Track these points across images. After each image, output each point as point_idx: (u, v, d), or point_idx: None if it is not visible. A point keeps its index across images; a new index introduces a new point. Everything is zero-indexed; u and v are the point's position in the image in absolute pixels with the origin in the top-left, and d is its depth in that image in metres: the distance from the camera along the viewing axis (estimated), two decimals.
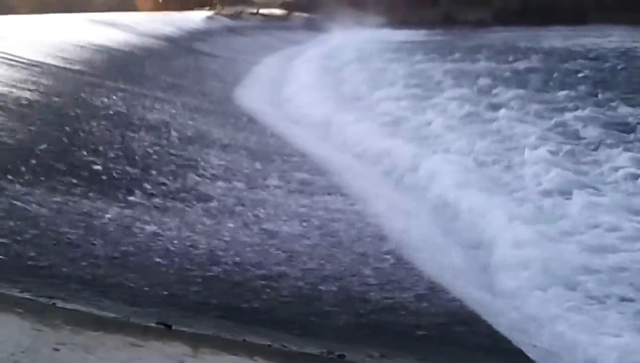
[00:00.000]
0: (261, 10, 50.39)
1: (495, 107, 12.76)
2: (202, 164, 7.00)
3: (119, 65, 14.70)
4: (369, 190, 7.32)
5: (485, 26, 45.66)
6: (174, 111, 10.28)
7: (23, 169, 5.19)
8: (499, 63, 21.17)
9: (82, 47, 15.65)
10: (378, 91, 15.36)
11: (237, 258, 4.37)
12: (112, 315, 3.11)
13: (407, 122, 11.68)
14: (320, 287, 4.17)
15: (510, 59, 21.65)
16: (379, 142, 9.85)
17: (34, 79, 9.77)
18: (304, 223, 5.50)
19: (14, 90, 8.42)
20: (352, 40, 33.74)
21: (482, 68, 19.94)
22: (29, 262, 3.55)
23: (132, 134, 7.67)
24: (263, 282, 4.13)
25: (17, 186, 4.71)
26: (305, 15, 51.88)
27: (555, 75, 18.15)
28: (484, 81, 16.71)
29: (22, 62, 11.09)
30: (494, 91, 15.05)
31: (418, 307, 4.16)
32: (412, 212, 6.59)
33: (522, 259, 5.11)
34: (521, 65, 20.40)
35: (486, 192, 6.76)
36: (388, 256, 4.89)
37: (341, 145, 10.34)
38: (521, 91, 14.52)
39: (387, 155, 9.11)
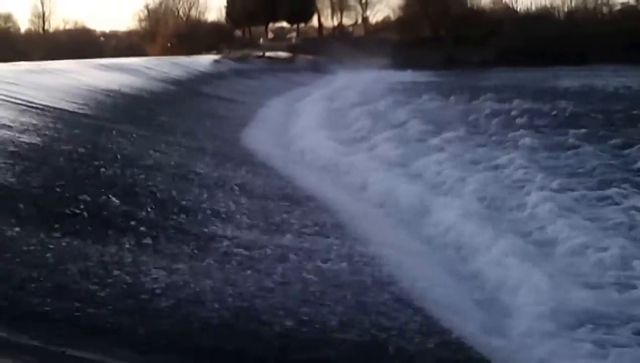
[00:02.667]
0: (267, 53, 51.05)
1: (501, 148, 12.82)
2: (210, 207, 7.01)
3: (128, 109, 14.85)
4: (376, 232, 7.30)
5: (488, 67, 46.02)
6: (181, 154, 10.35)
7: (34, 213, 5.21)
8: (501, 103, 21.29)
9: (92, 91, 15.84)
10: (382, 132, 15.44)
11: (245, 304, 4.35)
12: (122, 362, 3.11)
13: (412, 163, 11.70)
14: (334, 335, 4.14)
15: (514, 99, 21.74)
16: (384, 184, 9.86)
17: (45, 123, 9.87)
18: (309, 267, 5.47)
19: (26, 135, 8.50)
20: (357, 81, 34.09)
21: (486, 108, 20.05)
22: (40, 309, 3.54)
23: (141, 177, 7.71)
24: (272, 330, 4.10)
25: (29, 232, 4.72)
26: (310, 57, 52.53)
27: (559, 115, 18.27)
28: (488, 121, 16.81)
29: (34, 107, 11.22)
30: (499, 131, 15.13)
31: (430, 352, 4.12)
32: (420, 255, 6.56)
33: (532, 304, 5.06)
34: (525, 105, 20.49)
35: (495, 235, 6.72)
36: (397, 301, 4.86)
37: (347, 187, 10.36)
38: (526, 131, 14.57)
39: (392, 197, 9.12)
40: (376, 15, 77.25)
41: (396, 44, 56.68)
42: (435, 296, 5.18)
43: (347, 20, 73.42)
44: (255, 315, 4.23)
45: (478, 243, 6.56)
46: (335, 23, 72.60)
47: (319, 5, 70.91)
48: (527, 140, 13.33)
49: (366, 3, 71.07)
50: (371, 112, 20.06)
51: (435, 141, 13.88)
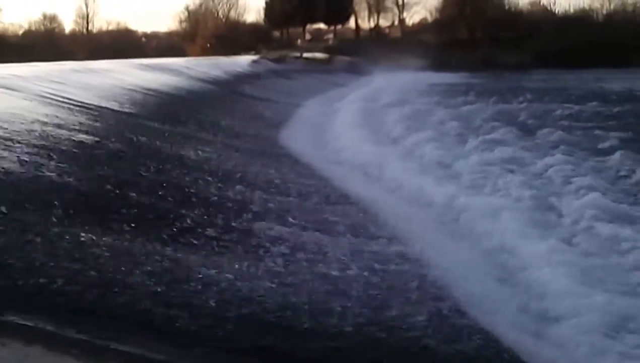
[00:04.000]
0: (304, 54, 51.19)
1: (542, 150, 12.61)
2: (250, 205, 7.01)
3: (169, 108, 15.00)
4: (415, 233, 7.20)
5: (525, 68, 45.40)
6: (221, 152, 10.39)
7: (79, 210, 5.25)
8: (539, 105, 20.96)
9: (134, 90, 16.04)
10: (420, 133, 15.32)
11: (288, 302, 4.31)
12: (164, 357, 3.09)
13: (451, 164, 11.58)
14: (377, 335, 4.08)
15: (553, 101, 21.40)
16: (422, 184, 9.75)
17: (90, 122, 10.01)
18: (352, 268, 5.41)
19: (72, 133, 8.62)
20: (394, 83, 33.94)
21: (523, 110, 19.76)
22: (85, 303, 3.56)
23: (183, 176, 7.74)
24: (315, 328, 4.06)
25: (75, 227, 4.76)
26: (347, 58, 52.46)
27: (601, 117, 17.91)
28: (525, 123, 16.56)
29: (80, 106, 11.39)
30: (537, 133, 14.89)
31: (472, 355, 4.04)
32: (462, 258, 6.45)
33: (580, 311, 4.93)
34: (566, 107, 20.14)
35: (537, 238, 6.58)
36: (441, 303, 4.78)
37: (385, 187, 10.27)
38: (567, 133, 14.31)
39: (431, 198, 9.01)
40: (413, 17, 76.90)
41: (433, 45, 56.34)
42: (478, 299, 5.09)
43: (384, 22, 73.36)
44: (296, 312, 4.19)
45: (521, 247, 6.41)
46: (372, 25, 72.55)
47: (356, 7, 70.99)
48: (568, 143, 13.09)
49: (403, 5, 70.91)
50: (408, 113, 19.93)
51: (474, 142, 13.72)
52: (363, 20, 72.63)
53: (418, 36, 64.37)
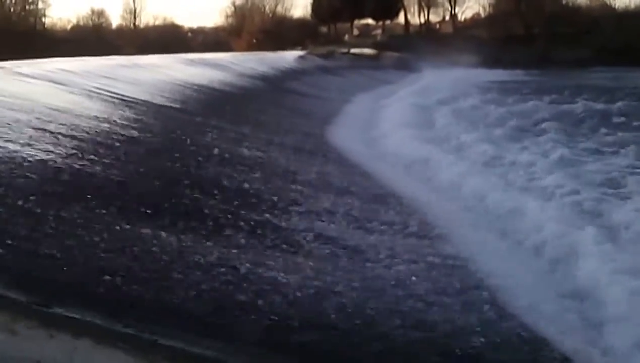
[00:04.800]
0: (352, 50, 51.06)
1: (600, 150, 12.31)
2: (295, 202, 7.03)
3: (215, 104, 15.18)
4: (465, 234, 7.12)
5: (584, 66, 44.31)
6: (267, 148, 10.45)
7: (126, 205, 5.36)
8: (599, 104, 20.42)
9: (181, 85, 16.27)
10: (472, 131, 15.12)
11: (338, 302, 4.31)
12: (212, 354, 3.13)
13: (503, 164, 11.39)
14: (421, 337, 4.05)
15: (612, 100, 20.83)
16: (473, 184, 9.62)
17: (138, 117, 10.20)
18: (398, 268, 5.38)
19: (119, 128, 8.80)
20: (444, 79, 33.58)
21: (582, 109, 19.32)
22: (133, 298, 3.63)
23: (229, 171, 7.82)
24: (365, 329, 4.05)
25: (124, 222, 4.86)
26: (396, 54, 52.11)
27: None
28: (584, 123, 16.20)
29: (128, 101, 11.61)
30: (596, 133, 14.54)
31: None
32: (513, 258, 6.35)
33: (632, 314, 4.79)
34: (626, 106, 19.58)
35: (592, 241, 6.41)
36: (491, 306, 4.71)
37: (433, 186, 10.17)
38: (628, 134, 13.92)
39: (481, 197, 8.88)
40: (465, 12, 75.95)
41: (486, 41, 55.53)
42: (529, 304, 4.99)
43: (434, 17, 72.65)
44: (346, 312, 4.19)
45: (576, 251, 6.26)
46: (422, 20, 71.92)
47: (406, 2, 70.43)
48: (628, 144, 12.72)
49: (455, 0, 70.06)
50: (459, 111, 19.69)
51: (528, 142, 13.47)
52: (412, 15, 72.13)
53: (470, 32, 63.55)
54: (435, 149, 12.96)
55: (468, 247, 6.36)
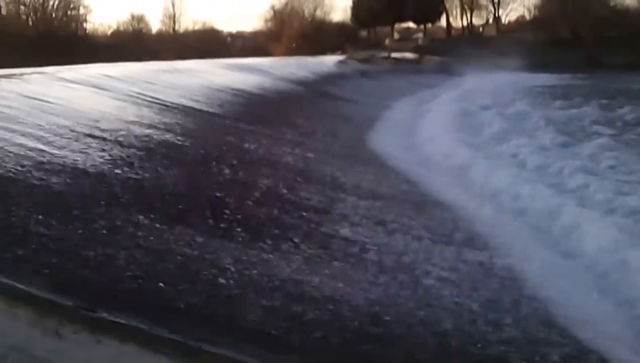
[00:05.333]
0: (393, 54, 50.89)
1: None
2: (337, 209, 7.02)
3: (255, 108, 15.29)
4: (510, 244, 7.01)
5: (634, 69, 43.35)
6: (307, 154, 10.48)
7: (168, 210, 5.42)
8: None
9: (221, 90, 16.43)
10: (518, 136, 14.93)
11: (377, 310, 4.29)
12: (255, 362, 3.13)
13: (549, 171, 11.20)
14: (466, 349, 4.00)
15: None
16: (519, 192, 9.47)
17: (179, 122, 10.33)
18: (447, 277, 5.32)
19: (160, 132, 8.92)
20: (488, 83, 33.25)
21: (633, 114, 18.92)
22: (179, 305, 3.66)
23: (271, 177, 7.85)
24: (401, 337, 4.02)
25: (163, 227, 4.91)
26: (438, 58, 51.79)
27: None
28: (635, 129, 15.85)
29: (168, 105, 11.77)
30: None
31: None
32: (562, 269, 6.22)
33: None
34: None
35: None
36: (543, 320, 4.62)
37: (477, 193, 10.05)
38: None
39: (528, 206, 8.73)
40: (509, 14, 75.11)
41: (531, 44, 54.83)
42: (582, 317, 4.89)
43: (477, 20, 72.07)
44: (385, 320, 4.16)
45: (630, 265, 6.10)
46: (465, 23, 71.41)
47: (448, 5, 70.06)
48: None
49: (499, 2, 69.39)
50: (504, 116, 19.47)
51: (576, 147, 13.26)
52: (455, 18, 71.76)
53: (515, 35, 62.87)
54: (479, 155, 12.83)
55: (516, 257, 6.25)
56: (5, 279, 3.20)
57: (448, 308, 4.61)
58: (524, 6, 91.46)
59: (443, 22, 71.66)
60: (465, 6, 70.15)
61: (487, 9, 70.85)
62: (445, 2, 69.36)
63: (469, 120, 19.41)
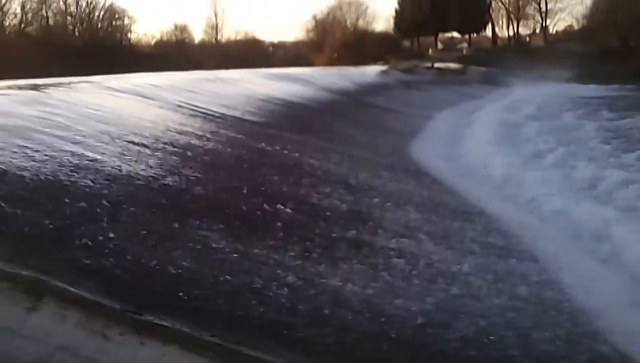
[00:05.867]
0: (436, 64, 50.68)
1: None
2: (379, 218, 7.05)
3: (297, 118, 15.41)
4: (556, 257, 6.93)
5: None
6: (349, 164, 10.53)
7: (214, 218, 5.52)
8: None
9: (263, 100, 16.61)
10: (565, 148, 14.74)
11: (422, 320, 4.30)
12: None
13: (597, 183, 11.03)
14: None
15: None
16: (566, 205, 9.35)
17: (220, 130, 10.49)
18: (487, 289, 5.31)
19: (202, 141, 9.08)
20: (535, 94, 32.88)
21: None
22: (219, 308, 3.74)
23: (311, 187, 7.91)
24: (448, 348, 4.03)
25: (206, 233, 5.01)
26: (482, 69, 51.36)
27: None
28: None
29: (210, 114, 11.97)
30: None
31: None
32: (609, 284, 6.14)
33: None
34: None
35: None
36: (592, 339, 4.58)
37: (522, 206, 9.96)
38: None
39: (576, 220, 8.61)
40: (557, 24, 74.22)
41: (579, 55, 54.05)
42: (628, 330, 4.82)
43: (524, 30, 71.34)
44: (429, 330, 4.17)
45: None
46: (511, 33, 70.77)
47: (494, 15, 69.57)
48: None
49: (546, 12, 68.67)
50: (551, 128, 19.24)
51: (625, 160, 13.03)
52: (501, 28, 71.19)
53: (562, 45, 62.09)
54: (524, 166, 12.72)
55: (563, 271, 6.19)
56: (55, 281, 3.31)
57: (498, 320, 4.60)
58: (572, 16, 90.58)
59: (488, 31, 71.22)
60: (512, 16, 69.62)
61: (534, 19, 70.25)
62: (491, 11, 68.94)
63: (515, 132, 19.24)
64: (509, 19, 69.94)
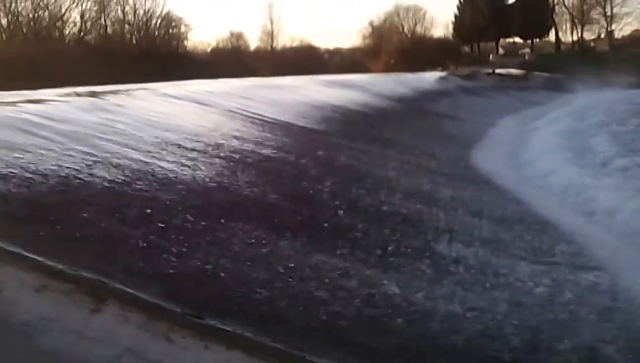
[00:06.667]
0: (497, 70, 50.05)
1: None
2: (440, 227, 6.98)
3: (353, 125, 15.43)
4: (624, 265, 6.74)
5: None
6: (409, 171, 10.49)
7: (273, 223, 5.57)
8: None
9: (318, 106, 16.68)
10: (631, 156, 14.32)
11: (479, 327, 4.24)
12: None
13: None
14: None
15: None
16: (635, 213, 9.10)
17: (276, 137, 10.58)
18: (551, 298, 5.20)
19: (258, 147, 9.17)
20: (600, 101, 32.06)
21: None
22: (283, 314, 3.76)
23: (369, 193, 7.90)
24: (506, 358, 3.96)
25: (265, 240, 5.05)
26: (545, 75, 50.48)
27: None
28: None
29: (266, 121, 12.08)
30: None
31: None
32: None
33: None
34: None
35: None
36: None
37: (590, 215, 9.72)
38: None
39: None
40: (622, 29, 72.18)
41: None
42: None
43: (588, 35, 69.77)
44: (485, 340, 4.10)
45: None
46: (575, 38, 69.35)
47: (557, 19, 68.30)
48: None
49: (611, 16, 67.01)
50: (618, 134, 18.73)
51: None
52: (564, 33, 69.83)
53: (629, 50, 60.53)
54: (590, 174, 12.43)
55: (630, 279, 6.02)
56: (118, 284, 3.38)
57: (569, 330, 4.51)
58: (638, 20, 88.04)
59: (551, 36, 69.95)
60: (576, 20, 68.22)
61: (599, 23, 68.63)
62: (554, 16, 67.72)
63: (579, 139, 18.81)
64: (572, 24, 68.63)
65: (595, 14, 67.93)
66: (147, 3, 59.39)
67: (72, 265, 3.46)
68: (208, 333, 3.10)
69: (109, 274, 3.51)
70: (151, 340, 2.97)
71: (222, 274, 4.10)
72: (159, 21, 60.74)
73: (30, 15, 51.56)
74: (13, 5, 50.57)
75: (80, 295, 3.15)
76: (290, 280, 4.34)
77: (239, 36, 71.24)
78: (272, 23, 71.73)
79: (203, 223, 5.04)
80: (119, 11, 58.60)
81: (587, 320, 4.80)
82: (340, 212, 6.51)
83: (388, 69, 54.45)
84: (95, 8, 56.16)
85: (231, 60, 57.94)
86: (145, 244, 4.30)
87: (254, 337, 3.23)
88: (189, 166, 6.84)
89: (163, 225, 4.74)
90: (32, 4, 51.40)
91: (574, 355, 4.18)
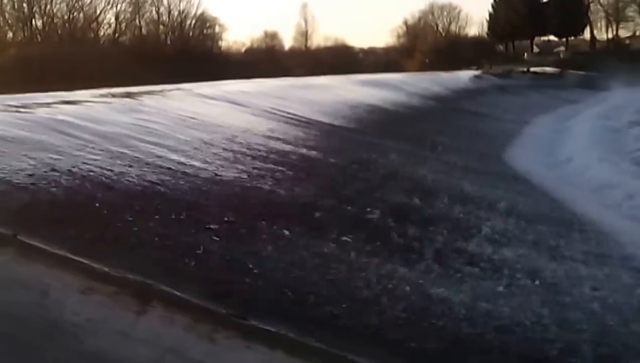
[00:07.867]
0: (532, 69, 49.57)
1: None
2: (478, 226, 6.90)
3: (388, 124, 15.36)
4: None
5: None
6: (444, 170, 10.41)
7: (309, 222, 5.56)
8: None
9: (353, 106, 16.65)
10: None
11: (519, 330, 4.18)
12: None
13: None
14: None
15: None
16: None
17: (311, 136, 10.57)
18: (593, 300, 5.10)
19: (295, 147, 9.17)
20: (636, 99, 31.45)
21: None
22: (325, 314, 3.74)
23: (404, 192, 7.85)
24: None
25: (305, 240, 5.03)
26: (580, 73, 49.78)
27: None
28: None
29: (300, 120, 12.09)
30: None
31: None
32: None
33: None
34: None
35: None
36: None
37: (628, 214, 9.55)
38: None
39: None
40: None
41: None
42: None
43: (623, 32, 68.61)
44: (533, 344, 4.04)
45: None
46: (610, 35, 68.24)
47: (592, 17, 67.29)
48: None
49: None
50: None
51: None
52: (600, 31, 68.76)
53: None
54: (628, 173, 12.23)
55: None
56: (162, 285, 3.41)
57: (611, 331, 4.43)
58: None
59: (586, 34, 68.96)
60: (611, 18, 67.16)
61: (634, 21, 67.44)
62: (589, 14, 66.72)
63: (616, 137, 18.53)
64: (607, 22, 67.59)
65: (630, 11, 66.87)
66: (181, 4, 59.95)
67: (116, 267, 3.49)
68: (251, 334, 3.10)
69: (153, 275, 3.53)
70: (195, 340, 2.99)
71: (264, 274, 4.09)
72: (193, 21, 61.24)
73: (65, 17, 52.34)
74: (48, 7, 51.37)
75: (125, 297, 3.19)
76: (333, 280, 4.31)
77: (273, 36, 71.53)
78: (306, 23, 71.91)
79: (243, 223, 5.04)
80: (154, 12, 59.27)
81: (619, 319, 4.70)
82: (381, 213, 6.44)
83: (423, 68, 54.23)
84: (129, 9, 56.87)
85: (265, 60, 58.12)
86: (187, 245, 4.31)
87: (297, 337, 3.22)
88: (224, 166, 6.86)
89: (204, 226, 4.75)
90: (67, 5, 52.21)
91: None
